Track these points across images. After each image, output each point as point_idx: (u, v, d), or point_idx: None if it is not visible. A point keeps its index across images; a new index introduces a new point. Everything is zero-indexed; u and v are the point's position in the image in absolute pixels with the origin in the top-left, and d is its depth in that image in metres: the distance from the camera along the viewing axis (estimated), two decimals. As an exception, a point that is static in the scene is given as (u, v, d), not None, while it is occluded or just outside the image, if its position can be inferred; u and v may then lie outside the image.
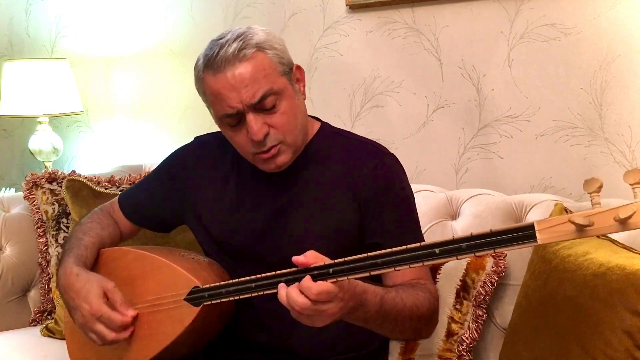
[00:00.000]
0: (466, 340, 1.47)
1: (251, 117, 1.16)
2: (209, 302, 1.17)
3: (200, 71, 1.21)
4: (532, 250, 1.39)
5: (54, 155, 2.48)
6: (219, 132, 1.44)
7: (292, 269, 1.05)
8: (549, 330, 1.21)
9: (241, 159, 1.34)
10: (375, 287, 1.08)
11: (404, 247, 0.93)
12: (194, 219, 1.37)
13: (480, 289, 1.48)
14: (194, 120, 2.35)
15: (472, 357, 1.49)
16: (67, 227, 1.94)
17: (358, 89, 2.02)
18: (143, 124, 2.48)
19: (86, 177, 1.93)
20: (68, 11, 2.59)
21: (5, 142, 2.82)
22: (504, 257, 1.49)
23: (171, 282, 1.22)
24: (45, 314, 1.96)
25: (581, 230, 0.81)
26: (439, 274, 1.51)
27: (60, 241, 1.93)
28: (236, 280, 1.14)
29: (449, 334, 1.48)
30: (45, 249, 1.96)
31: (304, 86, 1.28)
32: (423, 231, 1.54)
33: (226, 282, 1.16)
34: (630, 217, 0.77)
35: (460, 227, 1.60)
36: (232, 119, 1.19)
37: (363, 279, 1.03)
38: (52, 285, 1.93)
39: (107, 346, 1.26)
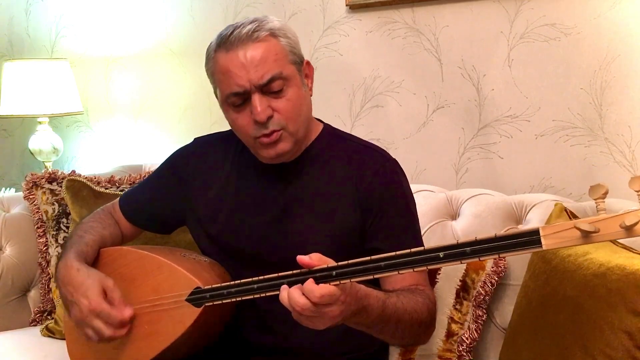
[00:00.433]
0: (466, 341, 1.47)
1: (256, 98, 1.17)
2: (211, 303, 1.17)
3: (212, 51, 1.23)
4: (532, 250, 1.39)
5: (54, 155, 2.48)
6: (218, 132, 1.44)
7: (294, 271, 1.05)
8: (549, 330, 1.21)
9: (242, 159, 1.34)
10: (378, 292, 1.08)
11: (408, 250, 0.93)
12: (194, 220, 1.37)
13: (480, 289, 1.48)
14: (194, 120, 2.35)
15: (472, 357, 1.49)
16: (67, 227, 1.94)
17: (358, 89, 2.02)
18: (143, 124, 2.48)
19: (86, 177, 1.93)
20: (68, 11, 2.59)
21: (5, 142, 2.82)
22: (504, 258, 1.49)
23: (172, 282, 1.22)
24: (45, 314, 1.95)
25: (587, 236, 0.80)
26: (439, 274, 1.51)
27: (60, 241, 1.93)
28: (238, 281, 1.14)
29: (449, 334, 1.48)
30: (45, 249, 1.96)
31: (311, 82, 1.29)
32: (423, 231, 1.55)
33: (228, 283, 1.16)
34: (636, 224, 0.77)
35: (460, 227, 1.60)
36: (238, 98, 1.19)
37: (365, 283, 1.02)
38: (52, 285, 1.93)
39: (108, 346, 1.26)
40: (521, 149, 1.80)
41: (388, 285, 1.22)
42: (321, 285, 0.96)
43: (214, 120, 2.28)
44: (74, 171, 1.99)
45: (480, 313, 1.48)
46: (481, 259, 0.89)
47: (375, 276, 0.96)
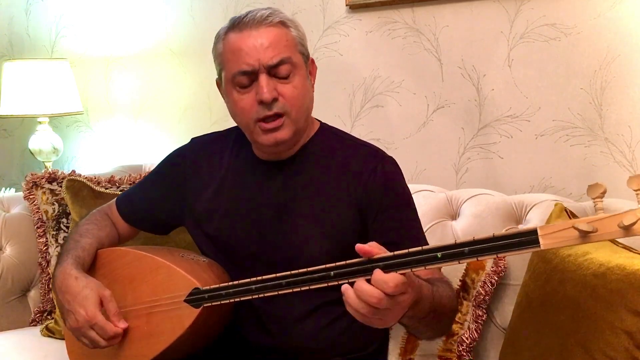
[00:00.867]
0: (466, 341, 1.47)
1: (264, 78, 1.18)
2: (209, 304, 1.17)
3: (222, 33, 1.24)
4: (532, 250, 1.39)
5: (54, 155, 2.47)
6: (215, 132, 1.44)
7: (292, 272, 1.05)
8: (549, 330, 1.21)
9: (239, 158, 1.33)
10: (425, 282, 1.06)
11: (406, 251, 0.93)
12: (191, 220, 1.37)
13: (480, 289, 1.48)
14: (194, 120, 2.35)
15: (472, 357, 1.49)
16: (67, 227, 1.94)
17: (358, 89, 2.02)
18: (143, 124, 2.48)
19: (86, 177, 1.93)
20: (68, 11, 2.59)
21: (5, 142, 2.82)
22: (503, 258, 1.49)
23: (171, 283, 1.22)
24: (45, 314, 1.95)
25: (585, 236, 0.80)
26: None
27: (60, 241, 1.93)
28: (236, 282, 1.13)
29: (449, 334, 1.48)
30: (45, 249, 1.96)
31: (314, 81, 1.29)
32: (423, 231, 1.54)
33: (226, 284, 1.16)
34: (634, 223, 0.77)
35: (460, 227, 1.60)
36: (245, 78, 1.19)
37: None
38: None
39: (107, 347, 1.26)
40: (521, 149, 1.80)
41: None
42: (392, 274, 0.92)
43: (214, 120, 2.28)
44: (74, 171, 1.99)
45: (480, 313, 1.48)
46: (479, 259, 0.89)
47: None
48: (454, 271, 1.49)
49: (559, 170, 1.76)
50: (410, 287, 0.95)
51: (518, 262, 1.49)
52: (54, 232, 1.95)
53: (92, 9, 2.54)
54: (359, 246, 0.95)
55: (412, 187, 1.65)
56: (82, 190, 1.88)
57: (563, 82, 1.73)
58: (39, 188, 1.98)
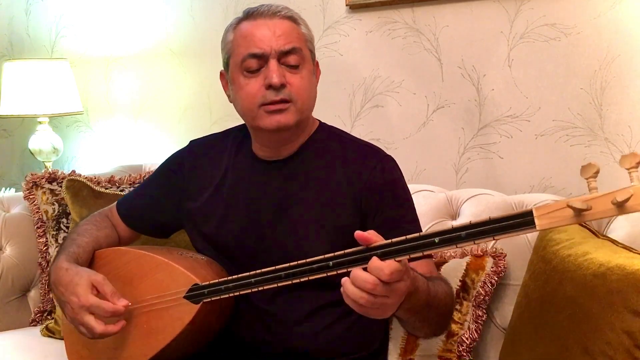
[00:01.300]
0: (466, 341, 1.47)
1: (274, 63, 1.19)
2: (209, 299, 1.17)
3: (233, 23, 1.26)
4: (532, 250, 1.39)
5: (54, 155, 2.48)
6: (214, 134, 1.44)
7: (291, 264, 1.05)
8: (549, 330, 1.21)
9: (237, 158, 1.33)
10: (420, 276, 1.06)
11: (404, 237, 0.93)
12: (190, 222, 1.37)
13: (480, 289, 1.48)
14: (194, 120, 2.35)
15: (472, 357, 1.49)
16: (67, 227, 1.94)
17: (358, 89, 2.02)
18: (143, 124, 2.48)
19: (86, 177, 1.93)
20: (68, 11, 2.59)
21: (5, 142, 2.82)
22: (503, 258, 1.49)
23: (170, 280, 1.22)
24: (45, 314, 1.95)
25: (579, 214, 0.80)
26: (439, 270, 1.51)
27: (60, 241, 1.93)
28: (235, 276, 1.14)
29: (449, 334, 1.48)
30: (45, 249, 1.96)
31: (317, 81, 1.31)
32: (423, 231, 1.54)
33: (225, 279, 1.16)
34: (627, 200, 0.77)
35: (460, 227, 1.60)
36: (254, 62, 1.20)
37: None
38: (52, 285, 1.93)
39: (107, 346, 1.25)
40: (521, 149, 1.80)
41: None
42: (388, 261, 0.91)
43: (214, 120, 2.28)
44: (74, 171, 2.00)
45: (480, 313, 1.48)
46: (476, 242, 0.88)
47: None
48: (454, 271, 1.49)
49: (559, 170, 1.76)
50: (407, 274, 0.94)
51: (518, 262, 1.49)
52: (54, 232, 1.95)
53: (92, 9, 2.54)
54: (357, 233, 0.95)
55: (412, 187, 1.65)
56: (82, 190, 1.88)
57: (563, 82, 1.73)
58: (39, 188, 1.98)
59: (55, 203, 1.96)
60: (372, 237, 0.95)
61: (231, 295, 1.15)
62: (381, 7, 1.95)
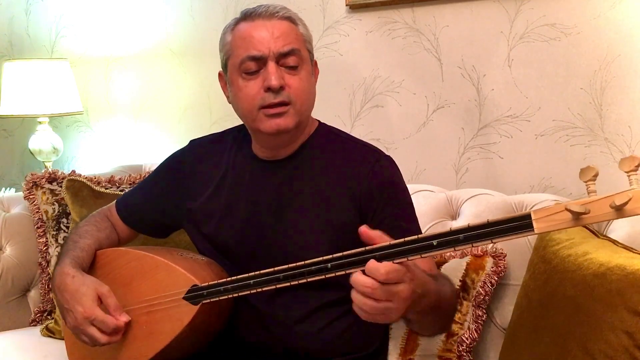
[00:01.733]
0: (466, 341, 1.47)
1: (272, 65, 1.19)
2: (208, 301, 1.17)
3: (231, 24, 1.26)
4: (532, 250, 1.39)
5: (54, 155, 2.48)
6: (213, 134, 1.44)
7: (289, 265, 1.05)
8: (549, 330, 1.21)
9: (237, 158, 1.33)
10: (429, 276, 1.05)
11: (402, 240, 0.93)
12: (189, 222, 1.37)
13: (480, 289, 1.48)
14: (194, 120, 2.35)
15: (472, 357, 1.49)
16: (67, 227, 1.94)
17: (358, 89, 2.02)
18: (143, 124, 2.48)
19: (86, 177, 1.93)
20: (68, 11, 2.59)
21: (5, 142, 2.82)
22: (503, 258, 1.49)
23: (170, 281, 1.22)
24: (45, 314, 1.96)
25: (577, 218, 0.80)
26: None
27: (60, 241, 1.93)
28: (234, 277, 1.14)
29: (449, 334, 1.48)
30: (45, 249, 1.96)
31: (315, 81, 1.30)
32: (423, 231, 1.54)
33: (224, 280, 1.16)
34: (626, 203, 0.77)
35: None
36: (253, 64, 1.20)
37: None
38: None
39: (107, 347, 1.25)
40: (521, 149, 1.80)
41: None
42: (384, 262, 0.90)
43: (214, 120, 2.28)
44: (74, 171, 1.99)
45: (480, 313, 1.48)
46: (474, 245, 0.88)
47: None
48: (454, 271, 1.49)
49: (559, 170, 1.76)
50: (408, 277, 0.93)
51: (518, 262, 1.49)
52: (54, 232, 1.95)
53: (92, 9, 2.54)
54: (363, 229, 0.94)
55: (412, 187, 1.65)
56: (82, 190, 1.88)
57: (563, 82, 1.73)
58: (39, 188, 1.98)
59: (55, 203, 1.96)
60: (376, 237, 0.94)
61: (230, 296, 1.15)
62: (381, 7, 1.95)
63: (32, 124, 2.52)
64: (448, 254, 1.54)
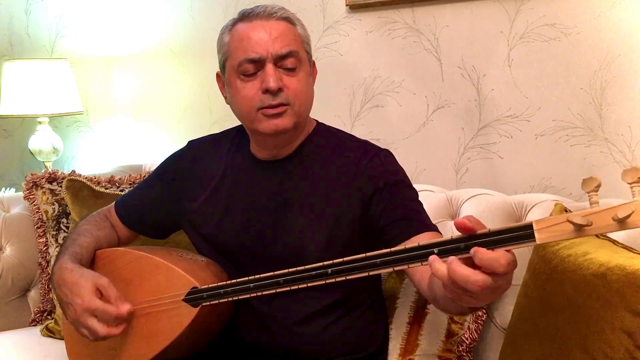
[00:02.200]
0: (466, 341, 1.47)
1: (270, 67, 1.19)
2: (208, 303, 1.17)
3: (229, 25, 1.25)
4: (532, 250, 1.39)
5: (54, 155, 2.48)
6: (212, 134, 1.44)
7: (290, 269, 1.05)
8: (549, 330, 1.21)
9: (236, 158, 1.33)
10: None
11: (402, 247, 0.93)
12: (188, 223, 1.37)
13: (480, 289, 1.48)
14: (194, 120, 2.35)
15: (472, 357, 1.49)
16: (67, 227, 1.94)
17: (358, 89, 2.02)
18: (143, 124, 2.48)
19: (86, 177, 1.93)
20: (68, 11, 2.59)
21: (5, 142, 2.82)
22: (503, 257, 1.49)
23: (169, 282, 1.22)
24: (45, 314, 1.95)
25: (580, 229, 0.80)
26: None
27: (60, 241, 1.93)
28: (234, 280, 1.14)
29: (449, 334, 1.48)
30: (45, 249, 1.96)
31: (313, 82, 1.30)
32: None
33: (224, 282, 1.16)
34: (628, 216, 0.77)
35: (460, 227, 1.60)
36: (251, 66, 1.19)
37: (360, 280, 1.01)
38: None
39: (106, 347, 1.25)
40: (521, 149, 1.80)
41: (418, 275, 1.15)
42: (495, 251, 0.83)
43: (213, 120, 2.28)
44: (74, 171, 1.99)
45: (480, 313, 1.48)
46: None
47: (371, 273, 0.94)
48: (454, 271, 1.49)
49: (559, 170, 1.76)
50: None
51: (518, 262, 1.48)
52: (54, 232, 1.95)
53: (92, 9, 2.54)
54: (458, 220, 0.85)
55: (412, 187, 1.65)
56: (82, 190, 1.88)
57: (563, 82, 1.73)
58: (39, 188, 1.98)
59: (55, 203, 1.96)
60: (475, 225, 0.86)
61: (230, 299, 1.15)
62: (381, 7, 1.95)
63: (32, 124, 2.52)
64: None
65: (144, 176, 1.97)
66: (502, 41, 1.80)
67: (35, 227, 1.97)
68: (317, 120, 1.36)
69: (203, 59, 2.31)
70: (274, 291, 1.06)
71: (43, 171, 2.03)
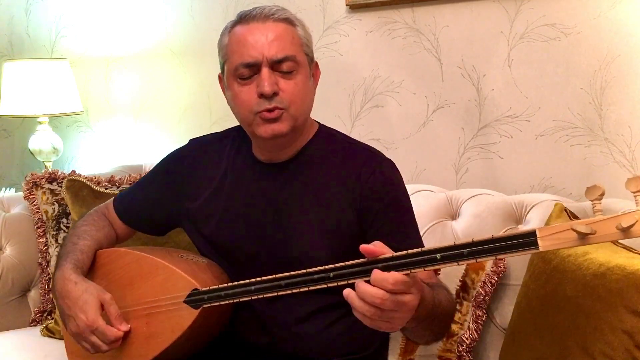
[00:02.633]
0: (466, 341, 1.47)
1: (266, 71, 1.18)
2: (208, 305, 1.17)
3: (228, 27, 1.24)
4: (532, 251, 1.39)
5: (54, 155, 2.48)
6: (213, 133, 1.43)
7: (292, 273, 1.04)
8: (549, 330, 1.21)
9: (237, 159, 1.33)
10: (426, 285, 1.05)
11: (405, 252, 0.93)
12: (188, 222, 1.36)
13: (480, 289, 1.48)
14: (194, 120, 2.35)
15: (472, 357, 1.49)
16: (67, 227, 1.94)
17: (358, 89, 2.02)
18: (143, 124, 2.48)
19: (86, 177, 1.93)
20: (68, 11, 2.59)
21: (5, 142, 2.82)
22: (503, 258, 1.49)
23: (170, 284, 1.22)
24: (45, 314, 1.95)
25: (583, 238, 0.80)
26: (438, 274, 1.51)
27: (60, 241, 1.93)
28: (235, 283, 1.13)
29: (449, 334, 1.48)
30: (45, 249, 1.96)
31: (316, 84, 1.29)
32: (423, 231, 1.55)
33: (225, 285, 1.16)
34: (632, 225, 0.77)
35: (460, 228, 1.60)
36: (247, 70, 1.19)
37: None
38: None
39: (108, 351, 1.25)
40: (521, 149, 1.80)
41: None
42: (391, 272, 0.91)
43: (214, 120, 2.28)
44: (74, 171, 1.99)
45: (480, 313, 1.48)
46: (478, 260, 0.89)
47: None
48: (453, 271, 1.49)
49: (559, 170, 1.76)
50: (415, 287, 0.94)
51: (518, 262, 1.49)
52: (54, 232, 1.95)
53: (92, 9, 2.54)
54: (363, 247, 0.94)
55: (412, 187, 1.65)
56: (82, 190, 1.88)
57: (563, 82, 1.73)
58: (39, 188, 1.98)
59: (55, 203, 1.96)
60: (378, 249, 0.95)
61: (231, 302, 1.14)
62: (381, 7, 1.95)
63: (32, 124, 2.52)
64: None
65: (139, 179, 1.96)
66: (502, 41, 1.80)
67: (35, 227, 1.97)
68: (319, 123, 1.36)
69: (203, 59, 2.31)
70: (275, 294, 1.06)
71: (43, 171, 2.03)
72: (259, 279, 1.09)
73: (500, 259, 1.49)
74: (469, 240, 0.89)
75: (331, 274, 0.98)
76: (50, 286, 1.89)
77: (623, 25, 1.64)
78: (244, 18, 1.22)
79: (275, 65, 1.18)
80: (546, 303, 1.24)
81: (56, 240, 1.94)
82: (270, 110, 1.18)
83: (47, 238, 1.96)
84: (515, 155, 1.81)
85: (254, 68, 1.18)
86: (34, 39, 2.68)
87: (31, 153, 2.47)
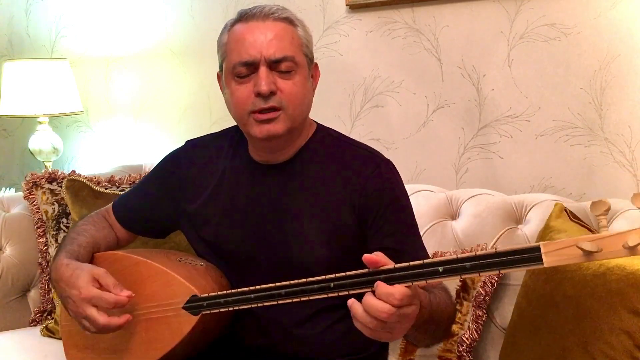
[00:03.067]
0: (466, 341, 1.47)
1: (264, 70, 1.17)
2: (208, 311, 1.17)
3: (228, 25, 1.24)
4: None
5: (54, 155, 2.48)
6: (210, 134, 1.42)
7: (292, 282, 1.04)
8: (549, 330, 1.21)
9: (235, 160, 1.32)
10: (422, 290, 1.05)
11: (407, 264, 0.92)
12: (187, 224, 1.35)
13: (480, 290, 1.48)
14: (194, 120, 2.35)
15: (472, 357, 1.49)
16: (67, 227, 1.94)
17: (358, 89, 2.02)
18: (143, 124, 2.48)
19: (86, 177, 1.93)
20: (68, 11, 2.59)
21: (5, 142, 2.82)
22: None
23: (169, 290, 1.20)
24: (45, 314, 1.95)
25: (588, 255, 0.79)
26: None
27: (60, 241, 1.93)
28: (235, 290, 1.13)
29: (449, 334, 1.48)
30: (45, 249, 1.96)
31: (315, 84, 1.28)
32: (423, 231, 1.54)
33: (225, 292, 1.15)
34: (639, 244, 0.76)
35: (460, 228, 1.60)
36: (245, 69, 1.18)
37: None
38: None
39: (105, 352, 1.24)
40: (521, 149, 1.80)
41: None
42: (396, 286, 0.91)
43: (214, 120, 2.28)
44: (74, 171, 1.99)
45: (480, 313, 1.48)
46: (481, 274, 0.88)
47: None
48: (454, 271, 1.49)
49: (559, 170, 1.76)
50: (416, 298, 0.94)
51: (518, 262, 1.49)
52: (54, 232, 1.95)
53: (92, 9, 2.54)
54: (366, 257, 0.94)
55: (412, 187, 1.65)
56: (82, 190, 1.88)
57: (563, 82, 1.73)
58: (39, 188, 1.98)
59: (55, 203, 1.96)
60: (381, 259, 0.94)
61: (230, 309, 1.14)
62: (381, 7, 1.95)
63: (32, 124, 2.52)
64: (448, 252, 1.54)
65: (138, 181, 1.96)
66: (502, 41, 1.80)
67: (35, 227, 1.97)
68: (317, 123, 1.35)
69: (203, 59, 2.31)
70: (275, 302, 1.06)
71: (43, 171, 2.03)
72: (258, 287, 1.08)
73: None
74: (472, 254, 0.88)
75: (332, 284, 0.98)
76: (49, 282, 1.89)
77: (623, 25, 1.64)
78: (243, 16, 1.21)
79: (273, 64, 1.17)
80: (546, 303, 1.24)
81: (56, 240, 1.94)
82: (265, 111, 1.17)
83: (47, 238, 1.96)
84: (515, 155, 1.81)
85: (252, 67, 1.17)
86: (34, 39, 2.68)
87: (31, 153, 2.47)
